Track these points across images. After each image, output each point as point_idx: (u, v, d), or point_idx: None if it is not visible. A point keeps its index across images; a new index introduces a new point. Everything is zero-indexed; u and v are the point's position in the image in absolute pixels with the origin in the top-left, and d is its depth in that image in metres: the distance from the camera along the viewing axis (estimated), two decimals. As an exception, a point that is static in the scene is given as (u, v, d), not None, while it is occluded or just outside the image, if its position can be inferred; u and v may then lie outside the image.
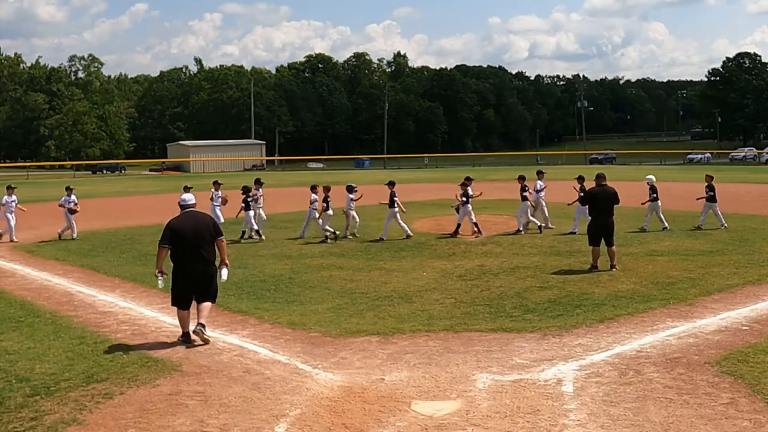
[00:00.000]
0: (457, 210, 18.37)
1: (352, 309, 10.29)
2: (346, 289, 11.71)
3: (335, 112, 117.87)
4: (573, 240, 16.49)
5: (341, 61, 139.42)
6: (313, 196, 18.34)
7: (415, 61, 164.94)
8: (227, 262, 9.05)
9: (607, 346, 8.07)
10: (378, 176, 49.79)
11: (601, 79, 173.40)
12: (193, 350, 8.30)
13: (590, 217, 13.28)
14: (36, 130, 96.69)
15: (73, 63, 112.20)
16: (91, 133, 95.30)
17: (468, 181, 18.19)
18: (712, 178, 18.98)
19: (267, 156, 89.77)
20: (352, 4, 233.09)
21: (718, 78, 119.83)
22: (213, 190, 18.85)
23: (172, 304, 8.85)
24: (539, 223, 18.56)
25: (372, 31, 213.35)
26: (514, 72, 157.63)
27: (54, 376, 7.34)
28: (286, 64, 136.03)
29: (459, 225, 17.91)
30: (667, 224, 18.10)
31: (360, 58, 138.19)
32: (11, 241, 18.66)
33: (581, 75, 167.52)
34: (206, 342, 8.52)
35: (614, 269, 12.62)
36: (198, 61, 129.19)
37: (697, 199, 19.20)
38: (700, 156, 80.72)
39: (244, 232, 18.19)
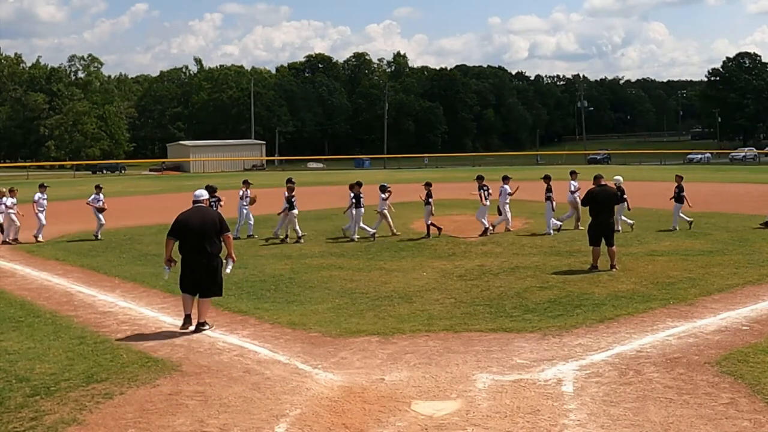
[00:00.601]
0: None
1: (352, 309, 10.30)
2: (346, 289, 11.71)
3: (335, 112, 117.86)
4: (573, 240, 16.50)
5: (341, 61, 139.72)
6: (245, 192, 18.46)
7: (415, 61, 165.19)
8: (234, 256, 9.55)
9: (607, 346, 8.07)
10: (378, 176, 49.75)
11: (601, 79, 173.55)
12: (193, 350, 8.31)
13: (591, 217, 13.29)
14: (36, 130, 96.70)
15: (72, 63, 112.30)
16: (91, 133, 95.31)
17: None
18: (681, 178, 18.90)
19: (267, 156, 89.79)
20: (352, 4, 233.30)
21: (718, 78, 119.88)
22: (242, 189, 18.84)
23: (180, 288, 9.36)
24: (559, 224, 18.45)
25: (372, 31, 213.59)
26: (514, 72, 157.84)
27: (54, 376, 7.34)
28: (286, 64, 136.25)
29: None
30: (620, 227, 17.73)
31: (360, 58, 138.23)
32: (36, 241, 18.59)
33: (581, 75, 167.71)
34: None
35: (614, 269, 12.62)
36: (198, 61, 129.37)
37: (670, 199, 19.14)
38: (700, 156, 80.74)
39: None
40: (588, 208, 13.16)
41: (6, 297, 11.67)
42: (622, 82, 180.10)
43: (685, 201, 18.37)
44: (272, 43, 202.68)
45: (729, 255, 14.10)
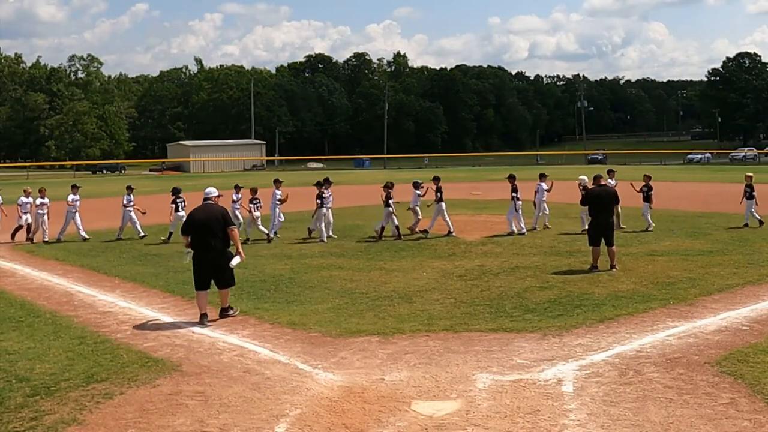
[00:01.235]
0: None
1: (352, 309, 10.29)
2: (346, 289, 11.71)
3: (335, 112, 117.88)
4: (573, 240, 16.49)
5: (341, 61, 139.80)
6: (277, 192, 18.38)
7: (415, 61, 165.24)
8: (241, 250, 9.95)
9: (607, 346, 8.07)
10: (378, 176, 49.76)
11: (601, 79, 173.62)
12: (193, 350, 8.31)
13: (590, 217, 13.29)
14: (36, 130, 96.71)
15: (72, 63, 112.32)
16: (91, 133, 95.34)
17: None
18: (649, 177, 18.86)
19: (267, 156, 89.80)
20: (352, 4, 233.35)
21: (718, 78, 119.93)
22: (274, 189, 18.81)
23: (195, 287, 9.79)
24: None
25: (372, 31, 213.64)
26: (514, 72, 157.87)
27: (54, 376, 7.34)
28: (286, 64, 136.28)
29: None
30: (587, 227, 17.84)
31: (360, 58, 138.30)
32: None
33: (581, 75, 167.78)
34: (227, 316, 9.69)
35: (614, 269, 12.62)
36: (198, 61, 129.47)
37: (639, 191, 19.07)
38: (700, 156, 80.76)
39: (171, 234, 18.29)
40: (587, 207, 13.16)
41: (6, 297, 11.68)
42: (622, 82, 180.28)
43: (652, 200, 18.41)
44: (272, 43, 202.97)
45: (729, 255, 14.10)
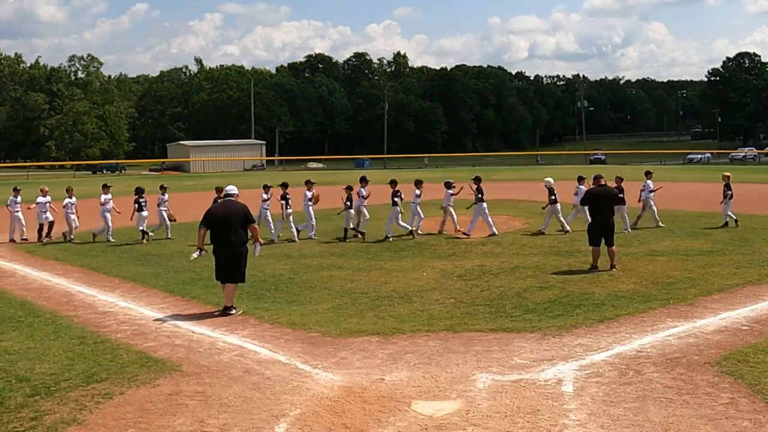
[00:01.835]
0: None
1: (352, 309, 10.29)
2: (346, 289, 11.71)
3: (335, 112, 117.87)
4: (573, 240, 16.49)
5: (341, 61, 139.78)
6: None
7: (415, 61, 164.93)
8: (260, 240, 10.70)
9: (607, 346, 8.07)
10: (378, 176, 49.66)
11: (601, 79, 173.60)
12: (193, 350, 8.31)
13: (590, 218, 13.29)
14: (36, 130, 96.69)
15: (72, 63, 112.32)
16: (91, 133, 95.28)
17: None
18: (621, 179, 18.45)
19: (267, 156, 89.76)
20: (352, 4, 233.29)
21: (718, 78, 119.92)
22: (306, 189, 18.74)
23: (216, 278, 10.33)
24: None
25: (372, 31, 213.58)
26: (514, 72, 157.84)
27: (54, 376, 7.34)
28: (286, 64, 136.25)
29: (567, 228, 17.82)
30: (569, 228, 17.76)
31: (360, 58, 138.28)
32: (107, 240, 18.55)
33: (581, 75, 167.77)
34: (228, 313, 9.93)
35: (614, 269, 12.62)
36: (198, 61, 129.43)
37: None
38: (700, 156, 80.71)
39: (145, 233, 18.45)
40: (587, 207, 13.16)
41: (6, 297, 11.68)
42: (622, 82, 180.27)
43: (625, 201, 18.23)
44: (272, 43, 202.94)
45: (729, 255, 14.09)
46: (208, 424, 6.11)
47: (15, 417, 6.30)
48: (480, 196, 17.67)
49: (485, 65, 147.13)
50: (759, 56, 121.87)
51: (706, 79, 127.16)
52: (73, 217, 19.11)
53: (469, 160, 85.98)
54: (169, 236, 18.79)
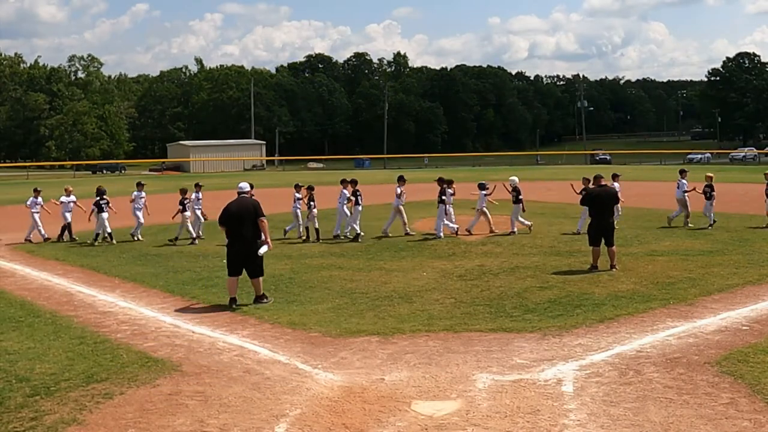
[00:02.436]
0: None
1: (352, 309, 10.29)
2: (346, 289, 11.71)
3: (335, 112, 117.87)
4: (573, 240, 16.49)
5: (341, 61, 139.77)
6: (345, 191, 18.26)
7: (415, 61, 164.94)
8: (269, 240, 10.81)
9: (607, 346, 8.07)
10: (378, 176, 49.80)
11: (601, 79, 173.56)
12: (193, 350, 8.31)
13: (590, 218, 13.29)
14: (36, 130, 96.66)
15: (72, 63, 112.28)
16: (91, 133, 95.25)
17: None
18: (588, 180, 18.03)
19: (267, 156, 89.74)
20: (352, 4, 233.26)
21: (718, 78, 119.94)
22: (342, 188, 18.67)
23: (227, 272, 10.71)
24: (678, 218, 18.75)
25: (372, 31, 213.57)
26: (514, 72, 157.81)
27: (54, 376, 7.34)
28: (286, 64, 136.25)
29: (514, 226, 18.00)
30: (515, 229, 17.80)
31: (360, 58, 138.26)
32: (136, 239, 18.53)
33: (581, 75, 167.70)
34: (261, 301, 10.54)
35: (614, 269, 12.62)
36: (198, 61, 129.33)
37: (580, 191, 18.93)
38: (700, 156, 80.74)
39: (98, 235, 18.23)
40: (587, 208, 13.15)
41: (6, 297, 11.68)
42: (622, 82, 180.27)
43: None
44: (272, 43, 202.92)
45: (729, 255, 14.09)
46: (208, 424, 6.11)
47: (15, 417, 6.30)
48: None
49: (485, 65, 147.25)
50: (759, 56, 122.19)
51: (706, 79, 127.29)
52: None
53: (469, 160, 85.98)
54: (201, 236, 18.61)
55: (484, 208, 18.39)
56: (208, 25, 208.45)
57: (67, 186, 20.45)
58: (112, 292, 11.89)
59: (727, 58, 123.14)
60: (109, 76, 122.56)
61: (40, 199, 19.45)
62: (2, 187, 48.32)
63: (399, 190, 18.15)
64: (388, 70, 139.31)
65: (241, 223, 10.49)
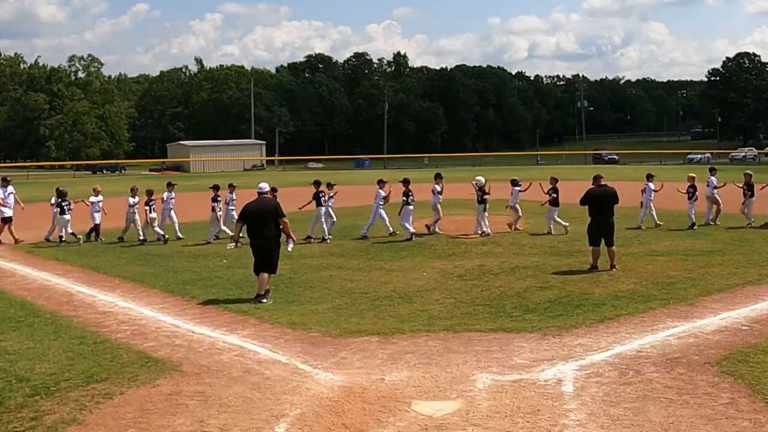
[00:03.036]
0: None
1: (352, 309, 10.30)
2: (346, 289, 11.71)
3: (335, 112, 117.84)
4: (573, 240, 16.48)
5: (341, 61, 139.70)
6: (381, 191, 18.12)
7: (415, 61, 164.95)
8: (293, 237, 11.46)
9: (607, 346, 8.07)
10: (378, 176, 49.64)
11: (601, 79, 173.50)
12: (193, 350, 8.31)
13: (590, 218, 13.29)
14: (36, 130, 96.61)
15: (72, 63, 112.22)
16: (91, 133, 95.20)
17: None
18: (556, 180, 18.42)
19: (267, 156, 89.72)
20: (352, 4, 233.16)
21: (717, 78, 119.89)
22: (378, 188, 18.49)
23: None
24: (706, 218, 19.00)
25: (372, 31, 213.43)
26: (514, 72, 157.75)
27: (54, 376, 7.34)
28: (286, 64, 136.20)
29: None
30: (487, 230, 17.67)
31: (360, 58, 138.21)
32: (167, 239, 18.36)
33: (581, 75, 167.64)
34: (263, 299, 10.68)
35: (614, 269, 12.62)
36: (198, 61, 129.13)
37: (543, 204, 18.93)
38: (700, 156, 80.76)
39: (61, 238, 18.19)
40: (587, 208, 13.14)
41: (6, 297, 11.68)
42: (622, 82, 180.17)
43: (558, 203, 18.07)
44: (272, 43, 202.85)
45: (729, 255, 14.10)
46: (208, 424, 6.11)
47: (15, 417, 6.30)
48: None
49: (485, 65, 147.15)
50: (759, 56, 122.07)
51: (706, 79, 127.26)
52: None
53: (469, 160, 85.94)
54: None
55: (517, 205, 18.61)
56: (208, 25, 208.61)
57: (95, 186, 20.30)
58: (112, 292, 11.89)
59: (727, 58, 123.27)
60: (109, 76, 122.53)
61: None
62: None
63: (438, 188, 18.48)
64: (388, 70, 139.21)
65: (261, 222, 10.76)
